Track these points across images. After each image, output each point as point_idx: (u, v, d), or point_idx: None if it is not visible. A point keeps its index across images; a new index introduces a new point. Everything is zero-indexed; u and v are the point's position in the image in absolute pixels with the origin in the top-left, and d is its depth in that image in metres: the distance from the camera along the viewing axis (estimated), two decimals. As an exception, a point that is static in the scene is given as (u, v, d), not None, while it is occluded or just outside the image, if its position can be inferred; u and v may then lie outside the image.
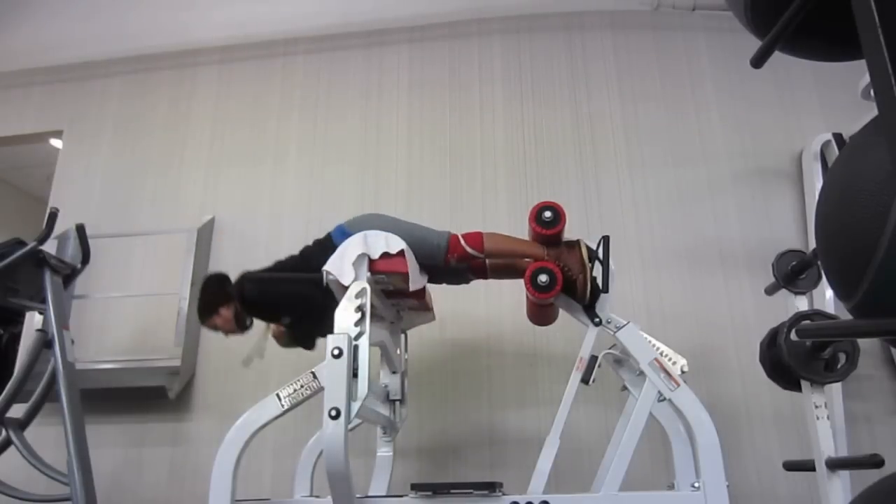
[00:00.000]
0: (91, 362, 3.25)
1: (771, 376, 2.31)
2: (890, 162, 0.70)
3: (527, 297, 2.30)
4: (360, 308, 1.93)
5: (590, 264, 2.19)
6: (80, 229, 2.87)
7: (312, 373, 2.03)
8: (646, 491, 2.29)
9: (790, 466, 2.43)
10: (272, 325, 2.51)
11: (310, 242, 2.39)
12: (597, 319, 2.19)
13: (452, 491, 2.07)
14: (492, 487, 2.03)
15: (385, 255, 2.13)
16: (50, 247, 2.88)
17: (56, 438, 2.47)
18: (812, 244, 2.79)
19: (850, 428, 2.76)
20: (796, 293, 2.44)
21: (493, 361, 3.19)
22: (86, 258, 2.87)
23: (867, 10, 0.70)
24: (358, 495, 2.02)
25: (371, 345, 1.94)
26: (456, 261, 2.29)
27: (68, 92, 4.14)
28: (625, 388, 2.39)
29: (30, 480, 2.49)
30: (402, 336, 2.68)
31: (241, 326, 2.45)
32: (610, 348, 2.35)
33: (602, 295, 2.18)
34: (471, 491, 2.05)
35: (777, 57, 0.99)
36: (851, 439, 2.73)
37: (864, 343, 2.41)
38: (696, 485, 1.99)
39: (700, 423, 2.03)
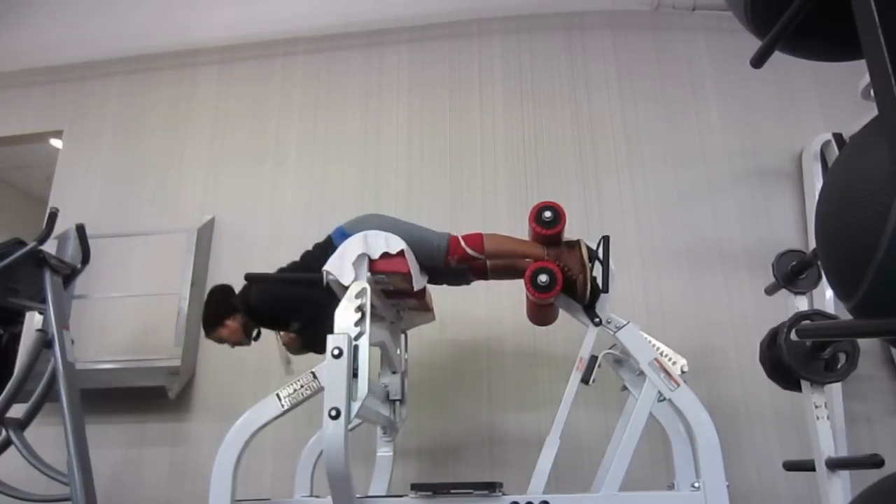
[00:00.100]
0: (91, 362, 3.25)
1: (771, 376, 2.31)
2: (890, 162, 0.70)
3: (527, 297, 2.30)
4: (360, 308, 1.93)
5: (590, 264, 2.19)
6: (80, 229, 2.87)
7: (312, 373, 2.03)
8: (646, 491, 2.29)
9: (790, 466, 2.43)
10: (282, 333, 2.50)
11: (310, 246, 2.39)
12: (597, 319, 2.19)
13: (452, 491, 2.07)
14: (492, 487, 2.03)
15: (385, 255, 2.12)
16: (50, 247, 2.88)
17: (56, 438, 2.47)
18: (812, 244, 2.79)
19: (850, 428, 2.76)
20: (796, 293, 2.44)
21: (493, 362, 3.19)
22: (86, 258, 2.87)
23: (867, 10, 0.70)
24: (358, 495, 2.02)
25: (371, 345, 1.94)
26: (456, 262, 2.29)
27: (68, 92, 4.14)
28: (625, 388, 2.39)
29: (30, 480, 2.49)
30: (402, 336, 2.68)
31: (248, 337, 2.45)
32: (610, 348, 2.35)
33: (602, 295, 2.18)
34: (471, 491, 2.05)
35: (777, 57, 0.99)
36: (851, 439, 2.73)
37: (864, 343, 2.41)
38: (696, 485, 1.99)
39: (700, 423, 2.02)
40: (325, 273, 2.08)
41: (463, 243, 2.28)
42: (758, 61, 0.97)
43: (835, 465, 2.06)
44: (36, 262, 2.61)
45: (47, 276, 2.62)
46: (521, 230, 2.38)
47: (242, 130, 3.86)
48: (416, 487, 2.10)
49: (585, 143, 3.56)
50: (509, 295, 2.94)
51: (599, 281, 2.17)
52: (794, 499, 2.80)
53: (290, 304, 2.35)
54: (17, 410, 2.53)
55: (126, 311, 3.53)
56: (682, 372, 2.16)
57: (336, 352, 1.85)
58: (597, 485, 2.26)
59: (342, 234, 2.27)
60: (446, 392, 3.15)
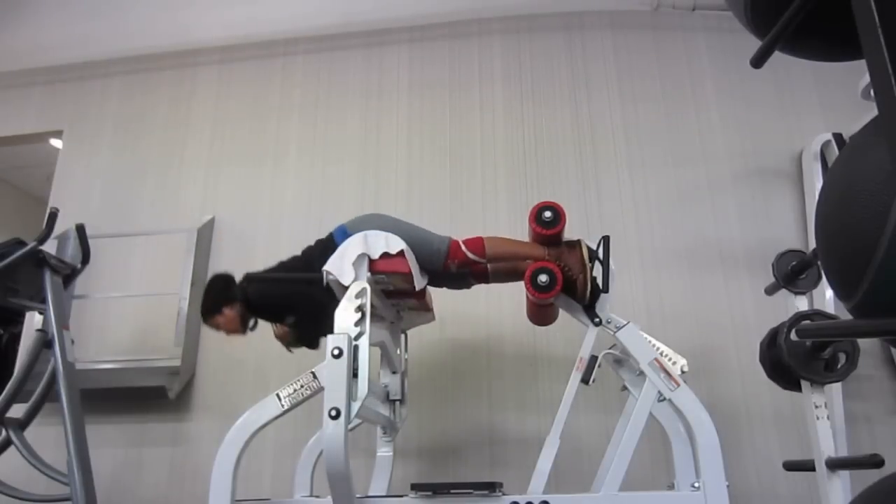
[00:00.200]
0: (91, 362, 3.25)
1: (771, 376, 2.31)
2: (890, 162, 0.69)
3: (527, 297, 2.30)
4: (360, 308, 1.93)
5: (590, 264, 2.19)
6: (80, 229, 2.87)
7: (312, 373, 2.03)
8: (646, 491, 2.29)
9: (790, 466, 2.43)
10: (276, 326, 2.52)
11: (311, 242, 2.39)
12: (597, 319, 2.19)
13: (452, 491, 2.07)
14: (492, 487, 2.03)
15: (385, 255, 2.13)
16: (50, 247, 2.88)
17: (56, 438, 2.47)
18: (812, 244, 2.79)
19: (850, 428, 2.76)
20: (796, 293, 2.44)
21: (493, 361, 3.19)
22: (86, 258, 2.87)
23: (867, 10, 0.70)
24: (358, 495, 2.02)
25: (371, 345, 1.95)
26: (456, 267, 2.29)
27: (68, 92, 4.14)
28: (625, 388, 2.39)
29: (30, 480, 2.49)
30: (402, 336, 2.69)
31: (244, 327, 2.45)
32: (610, 348, 2.36)
33: (602, 295, 2.18)
34: (471, 491, 2.05)
35: (777, 57, 0.99)
36: (851, 439, 2.73)
37: (864, 343, 2.41)
38: (696, 485, 1.99)
39: (700, 423, 2.03)
40: (325, 273, 2.08)
41: (464, 247, 2.29)
42: (758, 61, 0.97)
43: (835, 465, 2.06)
44: (36, 262, 2.61)
45: (47, 276, 2.62)
46: (521, 230, 2.38)
47: (242, 130, 3.86)
48: (416, 487, 2.10)
49: (585, 143, 3.56)
50: (509, 295, 2.94)
51: (599, 281, 2.17)
52: (794, 499, 2.80)
53: (286, 299, 2.36)
54: (17, 410, 2.53)
55: (126, 311, 3.53)
56: (682, 372, 2.16)
57: (336, 352, 1.85)
58: (597, 485, 2.26)
59: (344, 232, 2.28)
60: (446, 392, 3.15)
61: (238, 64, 4.04)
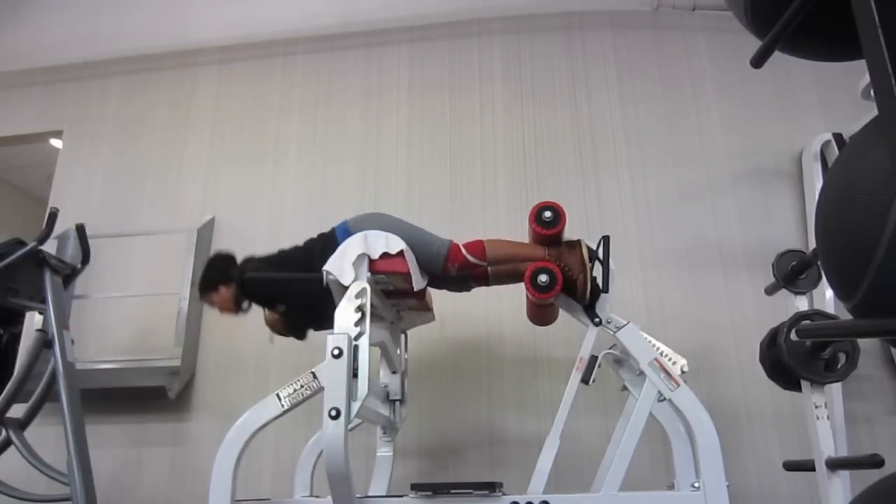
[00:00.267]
0: (91, 362, 3.25)
1: (771, 376, 2.31)
2: (890, 162, 0.69)
3: (527, 297, 2.30)
4: (360, 308, 1.93)
5: (590, 264, 2.19)
6: (80, 229, 2.87)
7: (312, 373, 2.04)
8: (646, 491, 2.29)
9: (790, 466, 2.42)
10: (267, 311, 2.52)
11: (314, 236, 2.40)
12: (597, 319, 2.19)
13: (452, 491, 2.07)
14: (492, 487, 2.03)
15: (385, 255, 2.13)
16: (50, 247, 2.88)
17: (56, 438, 2.47)
18: (812, 244, 2.79)
19: (850, 428, 2.76)
20: (796, 293, 2.44)
21: (493, 361, 3.19)
22: (86, 258, 2.87)
23: (867, 10, 0.70)
24: (358, 495, 2.02)
25: (371, 345, 1.95)
26: (456, 270, 2.29)
27: (68, 92, 4.14)
28: (625, 388, 2.39)
29: (30, 480, 2.49)
30: (402, 336, 2.68)
31: (238, 308, 2.46)
32: (610, 348, 2.36)
33: (602, 295, 2.18)
34: (471, 491, 2.05)
35: (777, 57, 0.99)
36: (851, 439, 2.73)
37: (864, 343, 2.41)
38: (696, 485, 1.99)
39: (700, 423, 2.03)
40: (325, 273, 2.08)
41: (464, 251, 2.28)
42: (758, 61, 0.97)
43: (835, 465, 2.06)
44: (36, 262, 2.61)
45: (47, 276, 2.62)
46: (521, 230, 2.38)
47: (242, 130, 3.86)
48: (416, 487, 2.10)
49: (585, 143, 3.56)
50: (509, 295, 2.93)
51: (599, 281, 2.17)
52: (794, 499, 2.80)
53: (281, 287, 2.37)
54: (17, 410, 2.54)
55: (126, 311, 3.53)
56: (682, 372, 2.16)
57: (336, 352, 1.85)
58: (597, 485, 2.26)
59: (345, 229, 2.28)
60: (446, 392, 3.15)
61: (238, 64, 4.04)
